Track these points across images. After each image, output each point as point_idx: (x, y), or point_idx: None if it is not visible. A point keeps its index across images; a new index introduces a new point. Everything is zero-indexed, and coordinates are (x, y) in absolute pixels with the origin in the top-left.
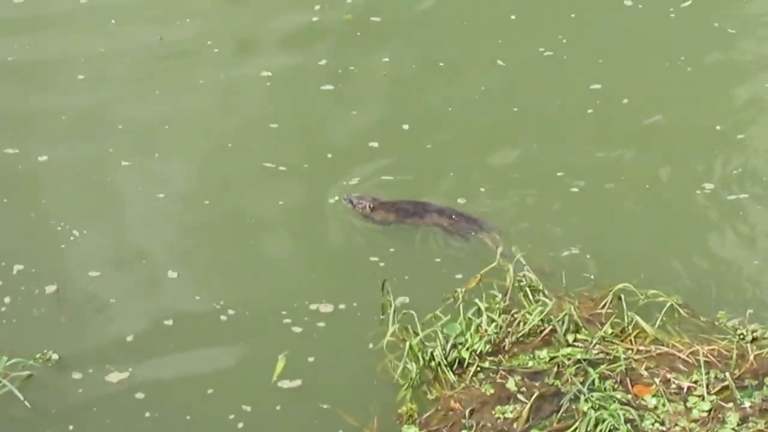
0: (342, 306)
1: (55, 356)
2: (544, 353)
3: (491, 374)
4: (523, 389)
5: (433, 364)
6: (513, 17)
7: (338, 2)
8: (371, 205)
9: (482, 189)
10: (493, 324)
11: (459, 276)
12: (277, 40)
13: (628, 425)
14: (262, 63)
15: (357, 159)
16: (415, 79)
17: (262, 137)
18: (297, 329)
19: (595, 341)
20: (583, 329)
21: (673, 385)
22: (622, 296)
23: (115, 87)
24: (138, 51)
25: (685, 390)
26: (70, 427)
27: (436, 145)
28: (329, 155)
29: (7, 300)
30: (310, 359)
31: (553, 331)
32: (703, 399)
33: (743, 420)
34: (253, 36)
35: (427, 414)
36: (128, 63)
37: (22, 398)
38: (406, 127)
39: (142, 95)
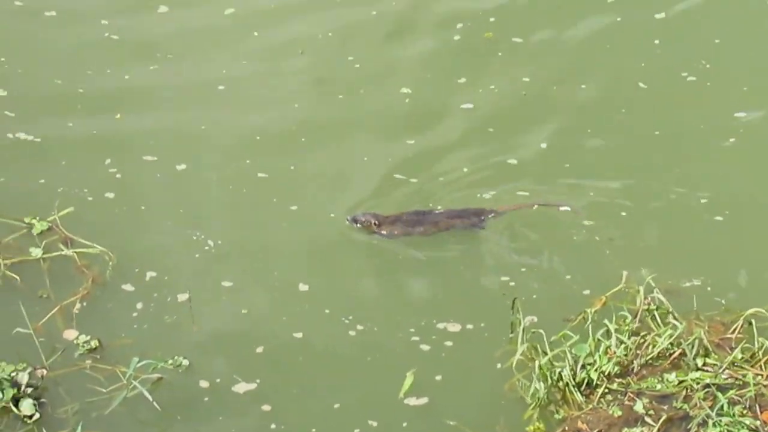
0: (470, 326)
1: (185, 362)
2: (672, 377)
3: (619, 396)
4: (651, 412)
5: (561, 384)
6: (657, 41)
7: (480, 21)
8: (376, 221)
9: (623, 213)
10: (623, 346)
11: (587, 292)
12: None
13: None
14: (402, 80)
15: (501, 178)
16: (556, 99)
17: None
18: (425, 347)
19: (724, 366)
20: (713, 353)
21: None
22: (753, 321)
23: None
24: None
25: None
26: None
27: (574, 166)
28: (465, 169)
29: (139, 306)
30: (438, 377)
31: (683, 354)
32: None
33: None
34: (395, 57)
35: None
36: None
37: (151, 400)
38: (543, 146)
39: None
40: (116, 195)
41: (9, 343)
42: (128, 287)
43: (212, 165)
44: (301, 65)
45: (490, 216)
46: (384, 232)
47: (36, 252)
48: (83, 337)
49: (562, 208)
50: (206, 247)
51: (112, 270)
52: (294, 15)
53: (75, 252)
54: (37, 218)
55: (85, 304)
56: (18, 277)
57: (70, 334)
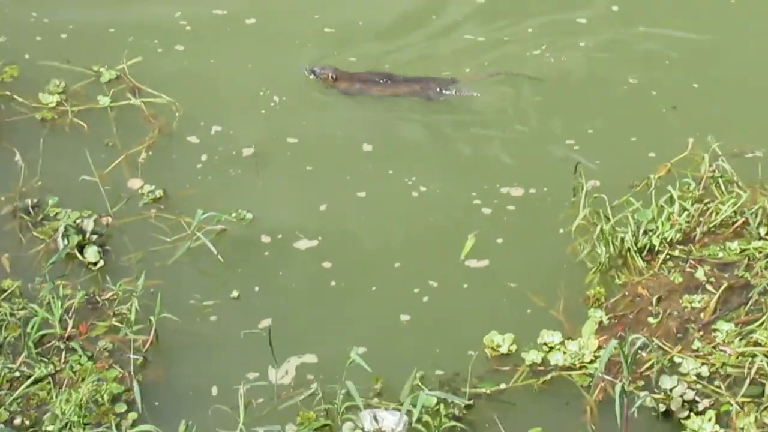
0: (532, 190)
1: (249, 216)
2: (735, 245)
3: (680, 263)
4: (712, 279)
5: (622, 249)
6: None
7: None
8: (333, 75)
9: (694, 83)
10: (685, 213)
11: (652, 155)
12: None
13: None
14: None
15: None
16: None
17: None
18: (487, 211)
19: None
20: None
21: None
22: None
23: None
24: None
25: None
26: (256, 288)
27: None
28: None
29: (203, 158)
30: (499, 241)
31: (746, 223)
32: None
33: None
34: None
35: (614, 299)
36: None
37: (215, 251)
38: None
39: None
40: (185, 47)
41: (75, 190)
42: (193, 139)
43: (281, 20)
44: None
45: (450, 89)
46: (341, 86)
47: (104, 100)
48: (148, 187)
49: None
50: (272, 103)
51: (178, 121)
52: None
53: (142, 101)
54: (106, 67)
55: (150, 153)
56: (85, 125)
57: (135, 183)
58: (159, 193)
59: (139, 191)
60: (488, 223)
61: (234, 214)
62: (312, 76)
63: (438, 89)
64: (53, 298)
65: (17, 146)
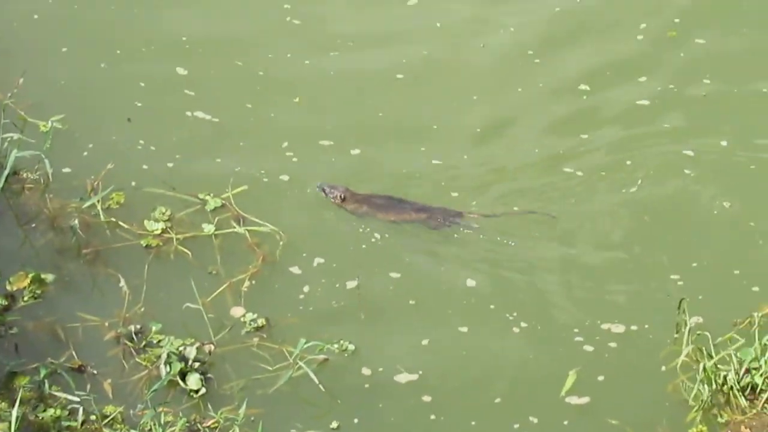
0: (634, 327)
1: (351, 347)
2: None
3: None
4: None
5: (725, 387)
6: None
7: (664, 19)
8: (342, 195)
9: None
10: None
11: (756, 289)
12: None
13: None
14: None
15: None
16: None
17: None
18: (588, 347)
19: None
20: None
21: None
22: None
23: None
24: None
25: None
26: (355, 420)
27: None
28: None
29: (306, 288)
30: (600, 378)
31: None
32: None
33: None
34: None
35: None
36: None
37: (317, 381)
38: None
39: None
40: (290, 178)
41: (178, 317)
42: (296, 270)
43: (384, 152)
44: None
45: (455, 221)
46: (349, 207)
47: (208, 228)
48: (250, 315)
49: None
50: (373, 239)
51: (281, 250)
52: None
53: (246, 230)
54: (211, 195)
55: (253, 282)
56: (189, 252)
57: (238, 311)
58: (261, 321)
59: (242, 319)
60: (589, 359)
61: (336, 345)
62: (322, 194)
63: (442, 220)
64: (155, 425)
65: (122, 272)
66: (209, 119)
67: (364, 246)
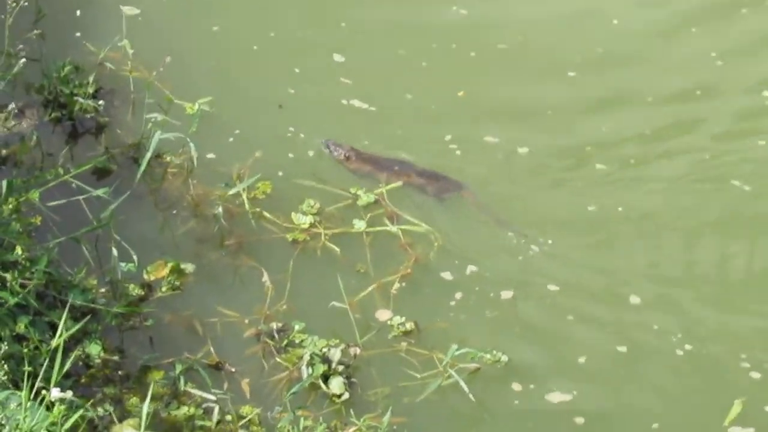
0: None
1: (504, 358)
2: None
3: None
4: None
5: None
6: None
7: None
8: (347, 154)
9: None
10: None
11: None
12: None
13: None
14: None
15: None
16: None
17: None
18: (756, 375)
19: None
20: None
21: None
22: None
23: None
24: None
25: None
26: None
27: None
28: None
29: (458, 296)
30: (767, 408)
31: None
32: None
33: None
34: None
35: None
36: None
37: (467, 391)
38: None
39: None
40: (453, 174)
41: (323, 316)
42: (447, 276)
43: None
44: None
45: (451, 193)
46: (351, 166)
47: (359, 225)
48: (398, 318)
49: (509, 231)
50: (530, 252)
51: (435, 252)
52: None
53: (400, 229)
54: (364, 189)
55: (403, 285)
56: (338, 249)
57: (385, 314)
58: (410, 325)
59: (389, 322)
60: (757, 388)
61: (489, 355)
62: (326, 151)
63: (438, 190)
64: (293, 429)
65: (265, 266)
66: (366, 108)
67: (520, 257)
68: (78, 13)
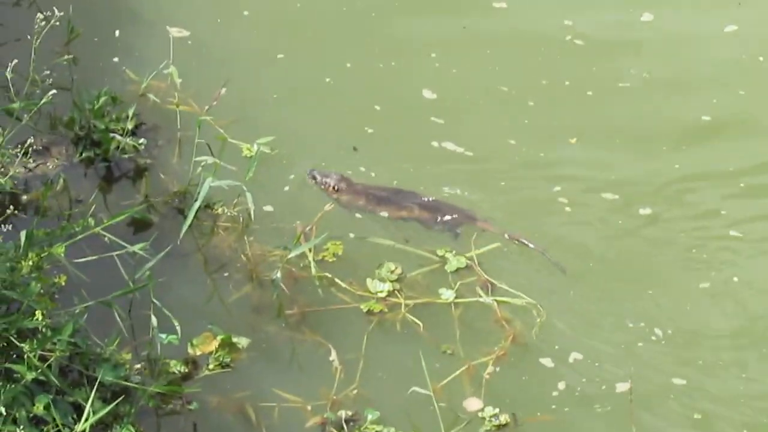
0: None
1: None
2: None
3: None
4: None
5: None
6: None
7: None
8: (336, 186)
9: None
10: None
11: None
12: None
13: None
14: None
15: None
16: None
17: None
18: None
19: None
20: None
21: None
22: None
23: None
24: None
25: None
26: None
27: None
28: None
29: (560, 385)
30: None
31: None
32: None
33: None
34: None
35: None
36: None
37: None
38: None
39: None
40: (557, 236)
41: (401, 404)
42: (548, 362)
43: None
44: None
45: (463, 222)
46: (342, 199)
47: (447, 295)
48: (491, 410)
49: (532, 246)
50: (653, 337)
51: (538, 329)
52: None
53: (495, 300)
54: (453, 252)
55: (497, 369)
56: (421, 324)
57: (475, 404)
58: (505, 418)
59: (480, 414)
60: None
61: None
62: (311, 182)
63: (448, 224)
64: None
65: (334, 342)
66: (461, 152)
67: (640, 344)
68: (117, 33)
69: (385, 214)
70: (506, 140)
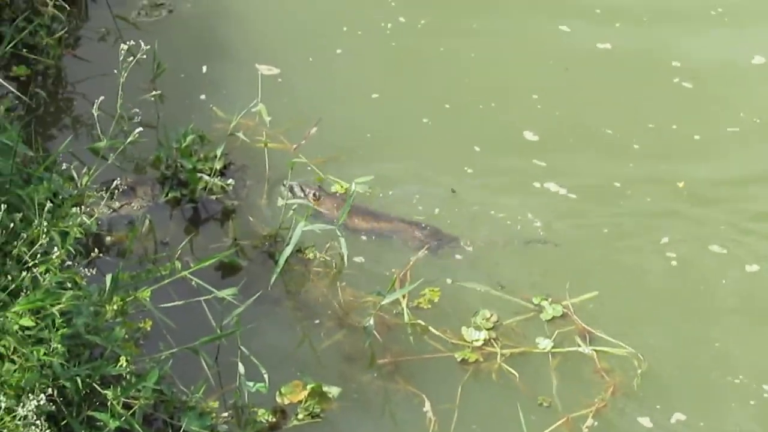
0: None
1: None
2: None
3: None
4: None
5: None
6: None
7: None
8: (316, 194)
9: None
10: None
11: None
12: None
13: None
14: None
15: None
16: None
17: None
18: None
19: None
20: None
21: None
22: None
23: None
24: None
25: None
26: None
27: None
28: None
29: None
30: None
31: None
32: None
33: None
34: None
35: None
36: None
37: None
38: None
39: None
40: (657, 286)
41: None
42: (646, 422)
43: None
44: None
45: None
46: (323, 209)
47: (544, 344)
48: None
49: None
50: (765, 395)
51: (639, 380)
52: None
53: (594, 350)
54: (549, 299)
55: (596, 423)
56: (516, 374)
57: None
58: None
59: None
60: None
61: None
62: (288, 194)
63: (444, 243)
64: None
65: (428, 393)
66: (564, 194)
67: (752, 402)
68: (204, 69)
69: (362, 226)
70: (611, 183)
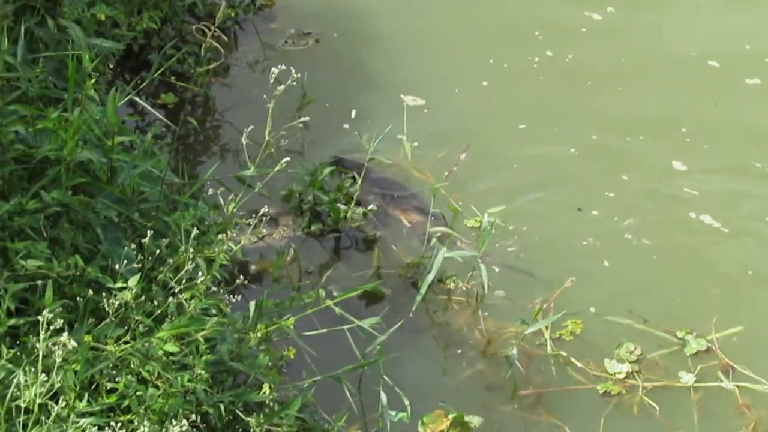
0: None
1: None
2: None
3: None
4: None
5: None
6: None
7: None
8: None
9: None
10: None
11: None
12: None
13: None
14: None
15: None
16: None
17: None
18: None
19: None
20: None
21: None
22: None
23: None
24: None
25: None
26: None
27: None
28: None
29: None
30: None
31: None
32: None
33: None
34: None
35: None
36: None
37: None
38: None
39: None
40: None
41: None
42: None
43: None
44: None
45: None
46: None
47: (686, 378)
48: None
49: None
50: None
51: None
52: None
53: (736, 386)
54: (693, 334)
55: None
56: (657, 407)
57: None
58: None
59: None
60: None
61: None
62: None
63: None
64: None
65: (569, 424)
66: (717, 227)
67: None
68: (349, 98)
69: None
70: (764, 219)
